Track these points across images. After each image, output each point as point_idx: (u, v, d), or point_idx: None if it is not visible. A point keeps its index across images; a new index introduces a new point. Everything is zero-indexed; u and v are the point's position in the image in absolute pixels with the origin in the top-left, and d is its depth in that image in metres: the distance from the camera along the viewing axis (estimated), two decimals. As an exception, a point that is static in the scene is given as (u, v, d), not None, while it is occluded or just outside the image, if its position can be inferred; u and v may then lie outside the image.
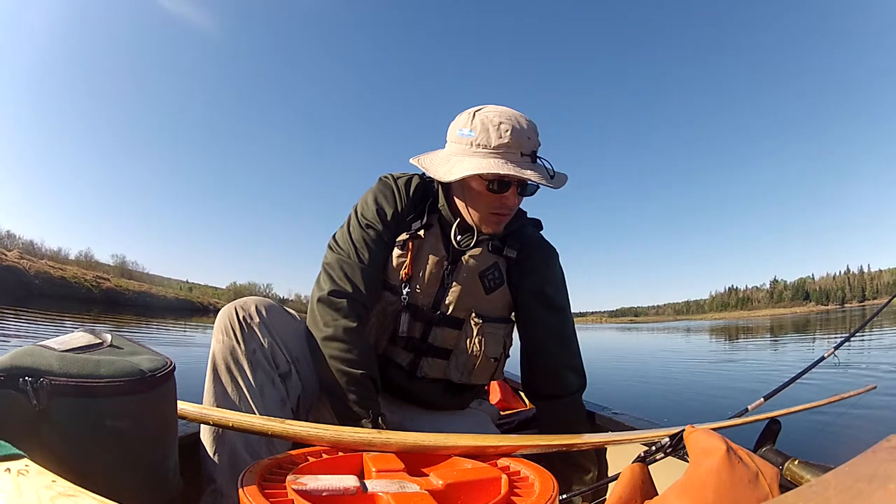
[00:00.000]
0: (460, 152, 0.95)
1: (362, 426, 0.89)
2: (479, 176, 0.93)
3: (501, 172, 0.90)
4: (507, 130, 0.91)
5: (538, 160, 0.95)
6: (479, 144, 0.92)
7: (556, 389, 1.07)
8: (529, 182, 0.94)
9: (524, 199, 1.02)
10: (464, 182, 0.95)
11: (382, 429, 0.90)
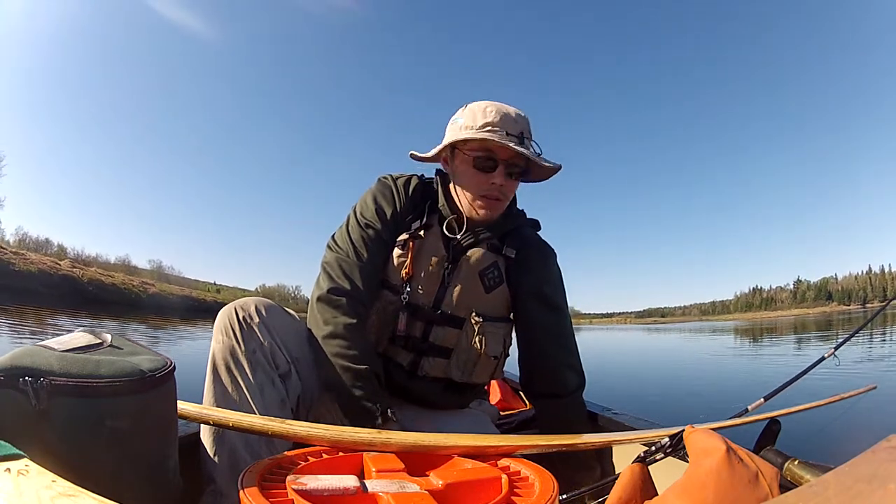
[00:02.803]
0: (450, 137, 1.01)
1: (372, 421, 0.89)
2: (463, 152, 0.99)
3: (478, 137, 0.95)
4: (492, 111, 0.97)
5: (528, 144, 0.99)
6: (466, 126, 0.98)
7: (555, 389, 1.07)
8: (517, 163, 0.98)
9: (524, 198, 1.04)
10: (455, 167, 1.01)
11: (392, 422, 0.91)
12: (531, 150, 0.98)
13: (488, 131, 0.96)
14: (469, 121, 0.98)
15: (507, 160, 0.98)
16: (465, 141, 0.98)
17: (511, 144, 0.94)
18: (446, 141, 1.01)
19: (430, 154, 1.05)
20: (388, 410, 0.92)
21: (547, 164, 1.00)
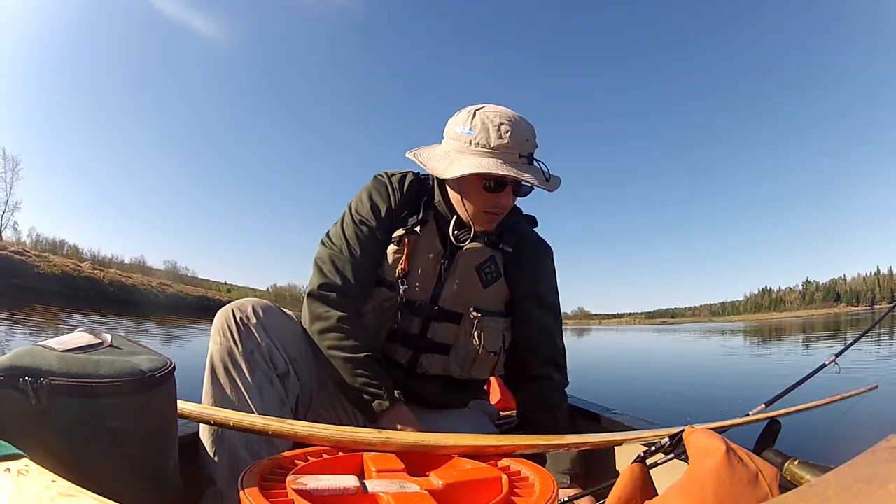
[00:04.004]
0: (458, 150, 0.96)
1: (381, 406, 0.90)
2: (477, 174, 0.94)
3: (501, 173, 0.91)
4: (506, 131, 0.92)
5: (535, 162, 0.97)
6: (477, 143, 0.94)
7: (540, 376, 1.09)
8: (524, 183, 0.95)
9: (531, 197, 1.02)
10: (460, 179, 0.96)
11: (401, 402, 0.92)
12: (539, 169, 0.97)
13: (501, 154, 0.92)
14: (481, 137, 0.93)
15: (515, 181, 0.96)
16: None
17: (529, 179, 0.92)
18: (463, 169, 0.92)
19: (441, 176, 0.97)
20: (395, 392, 0.92)
21: (551, 185, 0.98)
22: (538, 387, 1.08)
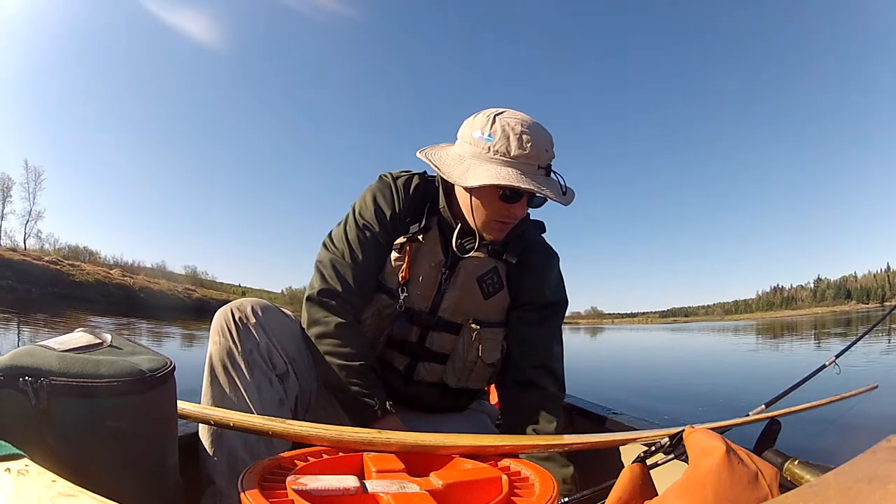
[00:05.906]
0: (475, 155, 0.92)
1: (372, 415, 0.90)
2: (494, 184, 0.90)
3: (522, 186, 0.88)
4: (527, 142, 0.89)
5: (552, 174, 0.94)
6: (496, 151, 0.90)
7: (532, 383, 1.01)
8: (538, 195, 0.92)
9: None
10: (473, 187, 0.92)
11: (392, 413, 0.92)
12: (556, 181, 0.94)
13: (521, 165, 0.89)
14: (501, 145, 0.89)
15: (531, 192, 0.92)
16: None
17: (548, 194, 0.89)
18: (482, 179, 0.88)
19: (458, 183, 0.92)
20: (387, 403, 0.92)
21: (566, 199, 0.95)
22: (526, 395, 1.00)
